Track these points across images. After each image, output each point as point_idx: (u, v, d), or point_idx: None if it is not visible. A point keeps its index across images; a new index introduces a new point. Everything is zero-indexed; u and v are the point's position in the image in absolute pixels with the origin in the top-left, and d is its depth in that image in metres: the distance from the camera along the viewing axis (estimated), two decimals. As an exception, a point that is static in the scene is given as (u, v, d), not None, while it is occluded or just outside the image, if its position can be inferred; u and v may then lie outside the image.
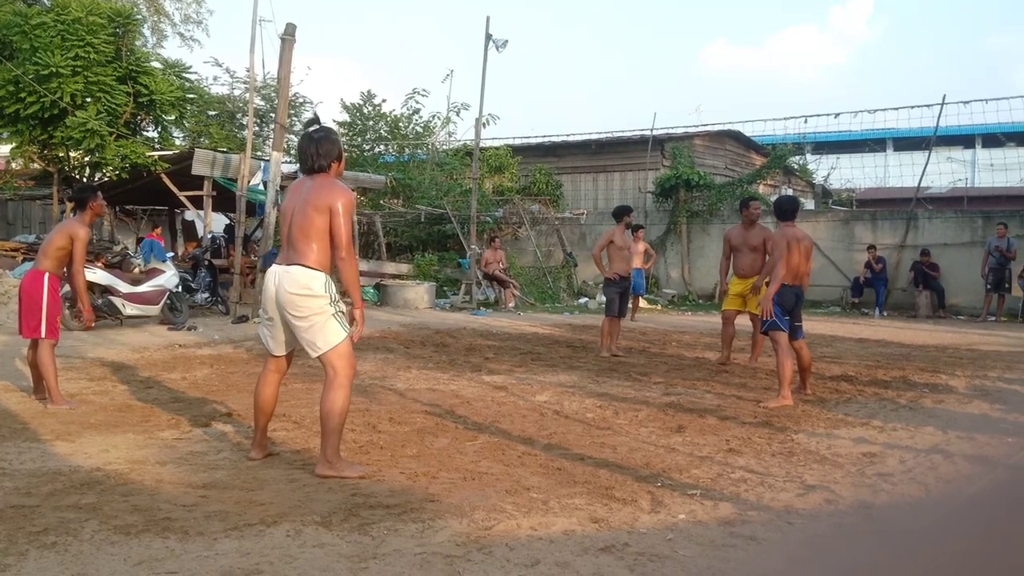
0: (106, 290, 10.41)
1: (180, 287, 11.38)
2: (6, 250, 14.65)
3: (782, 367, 6.60)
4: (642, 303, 15.65)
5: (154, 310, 10.84)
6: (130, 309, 10.56)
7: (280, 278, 4.23)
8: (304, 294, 4.17)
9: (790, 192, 24.63)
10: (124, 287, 10.57)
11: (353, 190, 15.69)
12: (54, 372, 5.99)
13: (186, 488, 4.00)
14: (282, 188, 13.32)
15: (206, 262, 13.27)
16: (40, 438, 4.94)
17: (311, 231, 4.19)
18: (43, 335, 5.98)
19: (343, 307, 4.30)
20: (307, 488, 4.04)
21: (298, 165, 4.42)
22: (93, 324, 6.67)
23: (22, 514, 3.55)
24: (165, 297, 10.94)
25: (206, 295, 13.08)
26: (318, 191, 4.23)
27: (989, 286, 15.34)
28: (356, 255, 4.46)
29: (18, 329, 6.38)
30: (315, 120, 4.57)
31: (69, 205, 13.61)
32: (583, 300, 18.03)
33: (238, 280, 12.98)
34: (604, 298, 10.17)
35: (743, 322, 9.23)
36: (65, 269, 6.18)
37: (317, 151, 4.30)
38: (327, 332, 4.20)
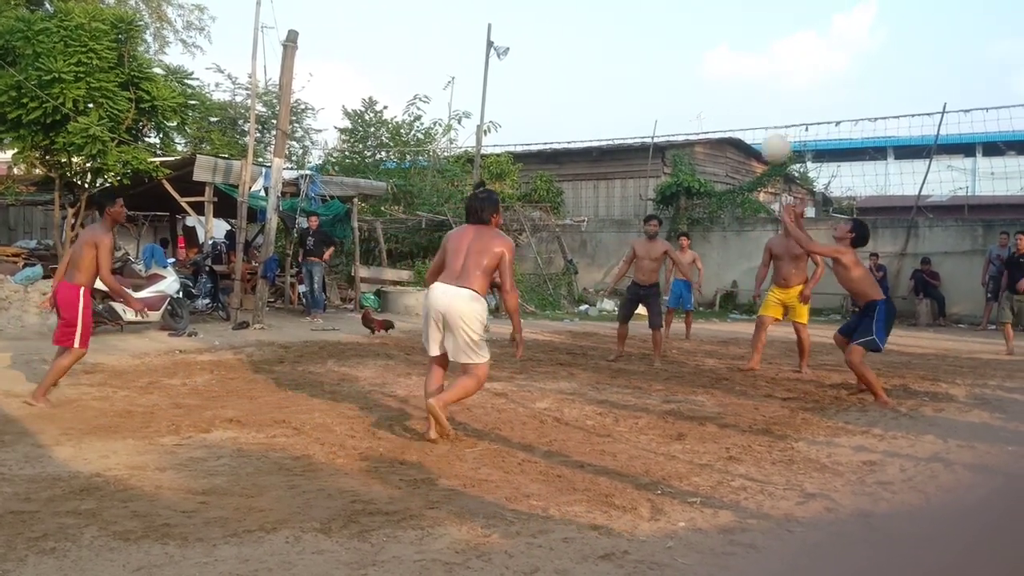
0: (107, 295, 10.41)
1: (181, 293, 11.38)
2: (7, 255, 14.65)
3: (871, 380, 6.90)
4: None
5: (155, 316, 10.85)
6: (131, 315, 10.56)
7: (452, 294, 5.25)
8: (472, 312, 5.25)
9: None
10: (125, 292, 10.57)
11: (354, 197, 15.54)
12: (59, 375, 6.32)
13: (186, 494, 4.00)
14: (283, 194, 13.35)
15: (207, 268, 13.28)
16: (40, 443, 4.94)
17: (481, 268, 5.31)
18: (76, 345, 6.29)
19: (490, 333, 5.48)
20: (306, 495, 4.04)
21: (465, 215, 5.69)
22: (147, 313, 7.20)
23: (21, 520, 3.55)
24: (166, 303, 10.94)
25: (207, 301, 13.09)
26: (489, 239, 5.38)
27: (989, 295, 15.32)
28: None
29: (53, 338, 6.58)
30: (481, 184, 6.04)
31: (70, 211, 13.61)
32: (584, 307, 18.02)
33: (239, 286, 12.98)
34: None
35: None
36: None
37: (484, 207, 5.48)
38: (479, 350, 5.28)
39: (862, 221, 7.37)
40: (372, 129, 23.63)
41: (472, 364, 5.25)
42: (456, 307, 5.21)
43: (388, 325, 11.86)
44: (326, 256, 14.10)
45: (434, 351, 5.37)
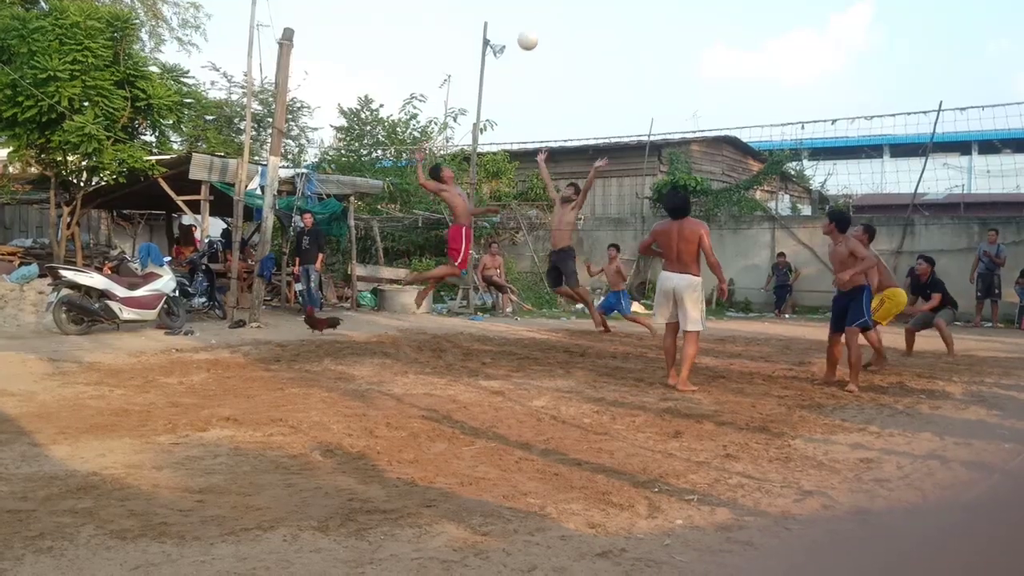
0: (103, 294, 10.39)
1: (177, 291, 11.36)
2: (3, 254, 14.63)
3: (858, 362, 7.66)
4: (636, 307, 14.87)
5: (151, 314, 10.83)
6: (127, 313, 10.54)
7: (676, 280, 7.36)
8: (693, 293, 7.30)
9: (786, 198, 24.67)
10: (121, 291, 10.55)
11: (350, 195, 15.54)
12: (431, 277, 10.67)
13: (183, 493, 3.99)
14: (279, 193, 13.34)
15: (203, 266, 13.26)
16: (37, 442, 4.93)
17: (690, 254, 7.27)
18: (457, 262, 9.74)
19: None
20: (304, 493, 4.04)
21: (665, 210, 7.73)
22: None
23: (18, 518, 3.54)
24: (162, 301, 10.92)
25: (203, 299, 13.06)
26: (689, 229, 7.31)
27: (979, 293, 15.31)
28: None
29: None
30: (675, 186, 8.29)
31: (66, 209, 13.58)
32: (580, 305, 18.01)
33: (235, 284, 12.96)
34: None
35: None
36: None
37: (687, 205, 7.59)
38: (698, 313, 7.34)
39: (835, 208, 8.05)
40: (368, 127, 23.58)
41: (691, 332, 7.31)
42: (681, 289, 7.31)
43: (333, 323, 11.41)
44: (317, 265, 14.11)
45: (663, 319, 7.52)
